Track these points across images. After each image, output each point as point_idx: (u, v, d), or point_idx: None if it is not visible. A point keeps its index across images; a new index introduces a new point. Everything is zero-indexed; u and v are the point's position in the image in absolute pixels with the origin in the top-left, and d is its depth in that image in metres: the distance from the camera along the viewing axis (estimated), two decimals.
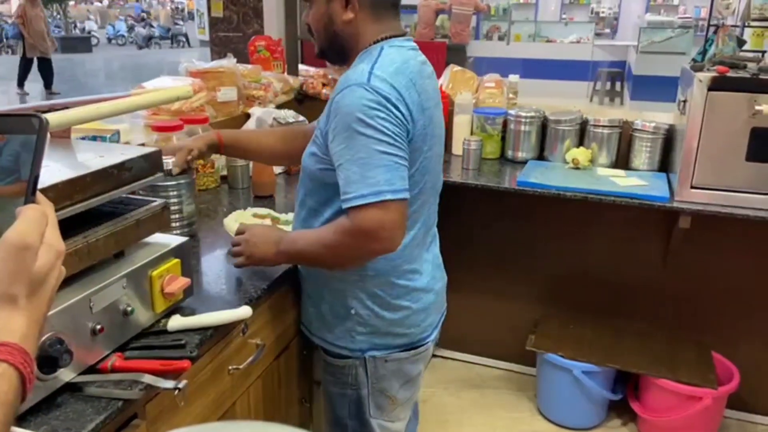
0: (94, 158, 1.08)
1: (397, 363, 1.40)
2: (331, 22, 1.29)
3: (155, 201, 1.20)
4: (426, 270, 1.40)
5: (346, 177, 1.16)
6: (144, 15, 25.58)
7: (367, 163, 1.14)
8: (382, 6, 1.29)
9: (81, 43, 19.97)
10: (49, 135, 1.19)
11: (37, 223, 0.57)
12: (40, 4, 10.85)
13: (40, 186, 0.90)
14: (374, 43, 1.27)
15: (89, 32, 22.46)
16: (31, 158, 0.58)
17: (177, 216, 1.57)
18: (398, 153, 1.17)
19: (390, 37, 1.28)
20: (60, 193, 0.95)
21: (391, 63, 1.21)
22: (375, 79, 1.17)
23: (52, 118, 1.10)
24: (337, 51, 1.32)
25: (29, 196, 0.59)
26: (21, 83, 11.17)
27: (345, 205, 1.17)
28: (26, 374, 0.53)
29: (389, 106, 1.16)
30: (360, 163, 1.15)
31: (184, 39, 22.27)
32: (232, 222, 1.59)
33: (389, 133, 1.16)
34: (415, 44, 1.32)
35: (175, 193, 1.54)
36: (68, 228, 0.99)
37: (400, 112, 1.17)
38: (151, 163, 1.15)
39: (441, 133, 1.37)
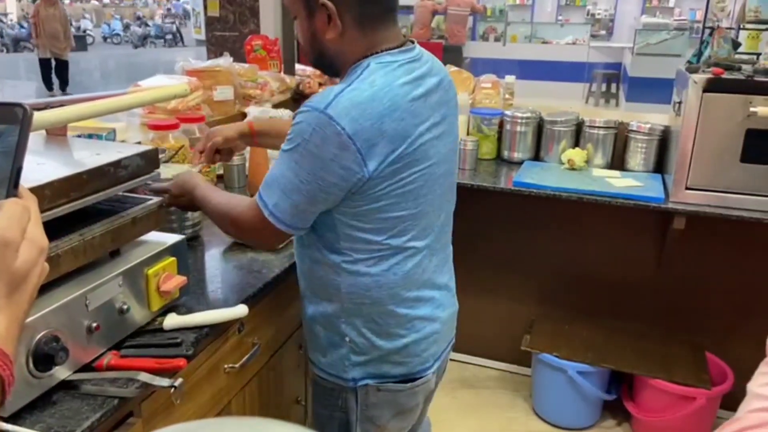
0: (90, 156, 1.08)
1: (391, 394, 1.30)
2: (315, 39, 1.21)
3: (151, 199, 1.20)
4: (431, 297, 1.30)
5: (266, 176, 1.20)
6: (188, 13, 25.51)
7: (276, 179, 1.16)
8: (370, 19, 1.16)
9: (76, 42, 19.81)
10: (45, 132, 1.19)
11: (18, 218, 0.54)
12: (57, 3, 10.55)
13: (37, 183, 0.91)
14: (364, 58, 1.17)
15: (84, 31, 22.36)
16: (13, 150, 0.56)
17: (183, 216, 1.56)
18: (303, 197, 1.13)
19: (382, 51, 1.17)
20: (56, 191, 0.95)
21: (370, 86, 1.10)
22: (336, 107, 1.08)
23: (49, 115, 1.11)
24: (327, 65, 1.25)
25: (11, 189, 0.56)
26: (46, 84, 10.98)
27: None
28: (5, 377, 0.51)
29: (333, 144, 1.08)
30: (273, 174, 1.17)
31: (171, 37, 22.11)
32: None
33: (311, 172, 1.11)
34: (414, 54, 1.19)
35: None
36: (65, 226, 0.99)
37: (346, 152, 1.08)
38: (147, 161, 1.15)
39: (445, 150, 1.24)
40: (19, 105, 0.57)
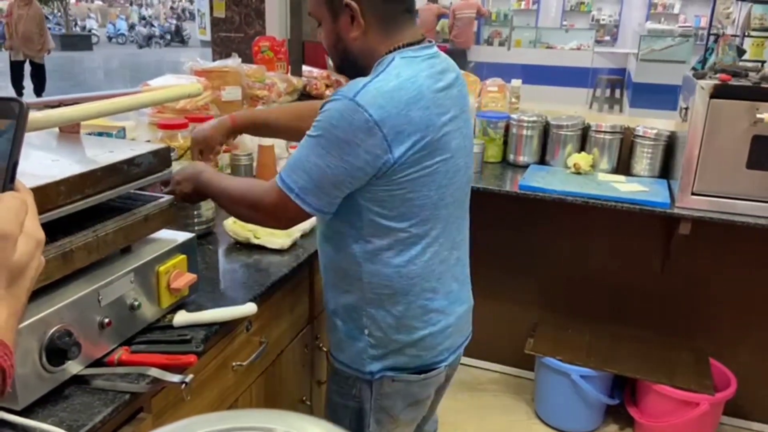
0: (103, 153, 1.09)
1: (405, 384, 1.34)
2: (339, 40, 1.25)
3: (163, 197, 1.20)
4: (446, 290, 1.34)
5: (288, 160, 1.22)
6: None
7: (301, 163, 1.17)
8: (391, 16, 1.23)
9: (81, 41, 19.92)
10: (58, 129, 1.20)
11: (15, 212, 0.55)
12: (32, 3, 9.63)
13: (52, 179, 0.92)
14: (388, 53, 1.22)
15: (90, 30, 22.42)
16: (9, 144, 0.56)
17: (195, 212, 1.57)
18: (329, 180, 1.15)
19: (405, 46, 1.22)
20: (72, 187, 0.95)
21: (396, 77, 1.16)
22: (365, 95, 1.13)
23: (63, 112, 1.11)
24: (352, 67, 1.28)
25: (8, 183, 0.56)
26: (14, 87, 9.95)
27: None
28: (6, 367, 0.51)
29: (361, 130, 1.12)
30: (298, 158, 1.18)
31: (169, 37, 22.07)
32: (232, 223, 1.60)
33: (338, 157, 1.14)
34: (434, 50, 1.26)
35: None
36: (78, 222, 1.00)
37: (373, 139, 1.12)
38: (160, 159, 1.16)
39: (463, 144, 1.29)
40: (16, 100, 0.57)
